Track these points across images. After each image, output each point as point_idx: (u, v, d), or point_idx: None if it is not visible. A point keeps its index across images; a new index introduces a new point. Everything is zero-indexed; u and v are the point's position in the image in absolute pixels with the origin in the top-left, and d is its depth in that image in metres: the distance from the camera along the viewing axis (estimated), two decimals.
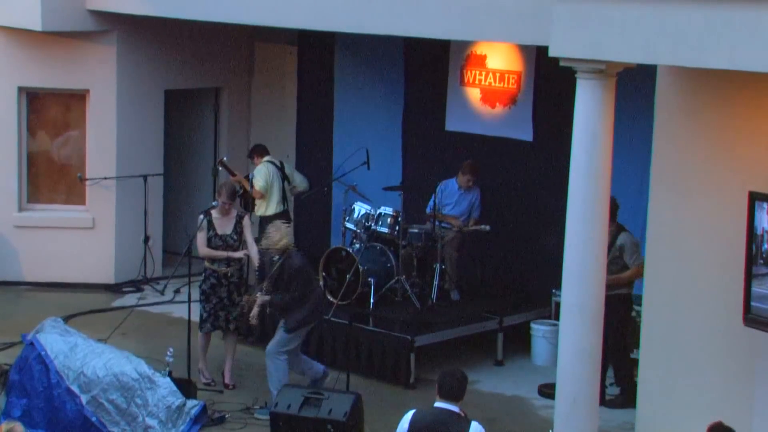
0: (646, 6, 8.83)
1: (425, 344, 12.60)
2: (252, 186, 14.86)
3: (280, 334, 11.54)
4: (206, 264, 12.18)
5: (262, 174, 14.87)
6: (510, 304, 13.67)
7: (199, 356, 12.29)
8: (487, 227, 13.74)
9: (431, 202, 13.77)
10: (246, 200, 15.07)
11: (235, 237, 12.10)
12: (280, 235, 11.48)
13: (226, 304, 12.18)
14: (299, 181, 15.68)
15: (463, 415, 7.74)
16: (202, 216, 12.15)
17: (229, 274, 12.14)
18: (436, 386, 7.81)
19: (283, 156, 16.31)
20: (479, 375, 12.69)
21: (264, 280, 11.60)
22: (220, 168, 15.23)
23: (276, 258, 11.48)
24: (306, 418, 10.17)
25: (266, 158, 15.05)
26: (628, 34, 8.94)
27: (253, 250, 12.16)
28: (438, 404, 7.78)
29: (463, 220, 14.00)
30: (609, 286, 10.91)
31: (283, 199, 15.04)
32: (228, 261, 12.11)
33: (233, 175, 15.00)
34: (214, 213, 12.13)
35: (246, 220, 12.23)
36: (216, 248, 12.07)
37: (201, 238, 12.08)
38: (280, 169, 15.13)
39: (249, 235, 12.19)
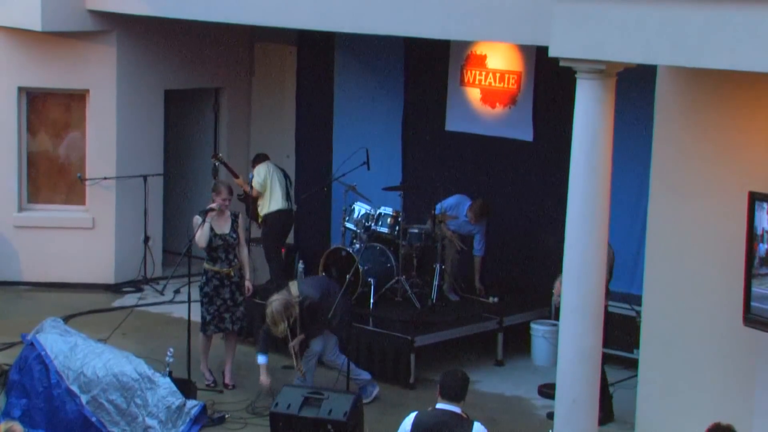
0: (646, 6, 8.83)
1: (425, 344, 12.59)
2: (251, 186, 14.84)
3: (330, 340, 11.73)
4: (207, 266, 12.15)
5: (259, 172, 14.84)
6: (510, 304, 13.66)
7: (201, 358, 12.28)
8: (495, 299, 13.74)
9: (439, 205, 13.76)
10: (248, 206, 15.02)
11: (234, 236, 12.12)
12: (277, 310, 11.49)
13: (229, 305, 12.18)
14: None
15: (464, 416, 7.75)
16: (198, 216, 12.12)
17: (231, 274, 12.14)
18: (438, 387, 7.81)
19: (283, 156, 16.32)
20: (479, 375, 12.69)
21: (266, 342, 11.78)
22: (217, 164, 15.15)
23: (297, 312, 11.61)
24: (306, 419, 10.16)
25: (266, 162, 15.06)
26: (628, 34, 8.94)
27: (244, 251, 12.27)
28: (440, 405, 7.78)
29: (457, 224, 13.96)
30: None
31: (287, 197, 15.00)
32: (229, 262, 12.11)
33: (236, 176, 14.98)
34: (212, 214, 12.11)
35: (241, 220, 12.29)
36: (217, 248, 12.07)
37: (200, 233, 12.01)
38: (281, 170, 15.10)
39: (242, 234, 12.27)
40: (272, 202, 14.86)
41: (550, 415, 10.68)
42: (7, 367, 11.57)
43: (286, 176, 15.13)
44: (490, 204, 13.80)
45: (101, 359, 11.06)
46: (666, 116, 10.13)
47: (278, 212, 14.82)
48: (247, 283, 12.24)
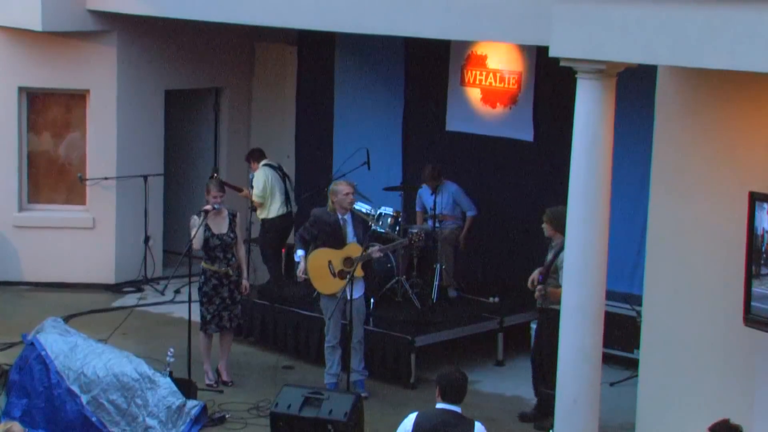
0: (646, 6, 8.83)
1: (425, 344, 12.60)
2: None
3: (362, 305, 11.82)
4: (205, 266, 12.16)
5: (259, 180, 14.76)
6: (510, 304, 13.66)
7: (203, 358, 12.28)
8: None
9: (418, 201, 13.99)
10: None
11: (232, 235, 12.15)
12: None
13: (228, 304, 12.19)
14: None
15: (465, 416, 7.73)
16: (195, 216, 12.12)
17: (230, 273, 12.15)
18: (437, 388, 7.79)
19: (283, 156, 16.31)
20: (479, 375, 12.69)
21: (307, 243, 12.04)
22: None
23: (344, 217, 11.94)
24: (306, 419, 10.16)
25: (264, 162, 14.98)
26: (628, 34, 8.94)
27: (242, 250, 12.35)
28: (440, 405, 7.77)
29: (458, 222, 13.98)
30: (545, 298, 10.93)
31: (287, 201, 14.97)
32: (228, 261, 12.13)
33: (239, 190, 14.97)
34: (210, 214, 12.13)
35: (238, 219, 12.33)
36: (214, 248, 12.07)
37: (195, 235, 12.01)
38: (279, 169, 15.07)
39: (240, 233, 12.32)
40: (272, 209, 14.83)
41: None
42: (8, 367, 11.56)
43: (285, 177, 15.09)
44: (440, 169, 13.94)
45: (102, 359, 11.06)
46: (666, 116, 10.13)
47: (278, 218, 14.82)
48: (244, 282, 12.27)
